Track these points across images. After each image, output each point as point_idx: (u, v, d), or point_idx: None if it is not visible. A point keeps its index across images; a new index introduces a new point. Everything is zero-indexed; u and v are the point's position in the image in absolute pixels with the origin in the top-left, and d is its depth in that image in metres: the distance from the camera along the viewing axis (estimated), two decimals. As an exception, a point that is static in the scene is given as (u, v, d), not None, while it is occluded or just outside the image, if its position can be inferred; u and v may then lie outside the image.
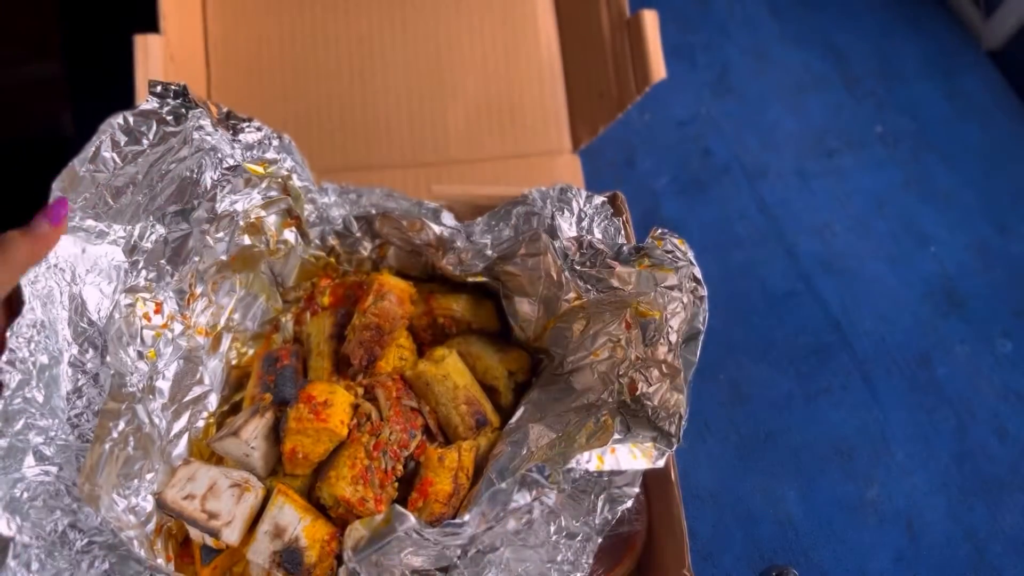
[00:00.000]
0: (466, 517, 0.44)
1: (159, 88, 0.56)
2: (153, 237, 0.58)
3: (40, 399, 0.52)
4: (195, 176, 0.58)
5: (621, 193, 0.63)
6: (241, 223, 0.61)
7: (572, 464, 0.46)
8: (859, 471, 0.83)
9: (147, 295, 0.57)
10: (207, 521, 0.54)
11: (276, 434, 0.58)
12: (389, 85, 0.82)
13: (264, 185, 0.61)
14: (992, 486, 0.83)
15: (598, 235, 0.60)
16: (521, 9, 0.86)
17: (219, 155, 0.58)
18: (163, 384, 0.58)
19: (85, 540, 0.51)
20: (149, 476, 0.55)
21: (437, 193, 0.64)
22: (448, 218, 0.62)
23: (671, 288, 0.52)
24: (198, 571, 0.56)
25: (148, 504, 0.55)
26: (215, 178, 0.58)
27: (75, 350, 0.54)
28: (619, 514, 0.50)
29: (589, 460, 0.47)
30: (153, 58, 0.68)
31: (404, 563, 0.48)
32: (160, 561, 0.54)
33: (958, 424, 0.86)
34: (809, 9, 1.09)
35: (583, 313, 0.60)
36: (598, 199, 0.61)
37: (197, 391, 0.61)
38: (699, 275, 0.51)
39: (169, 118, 0.56)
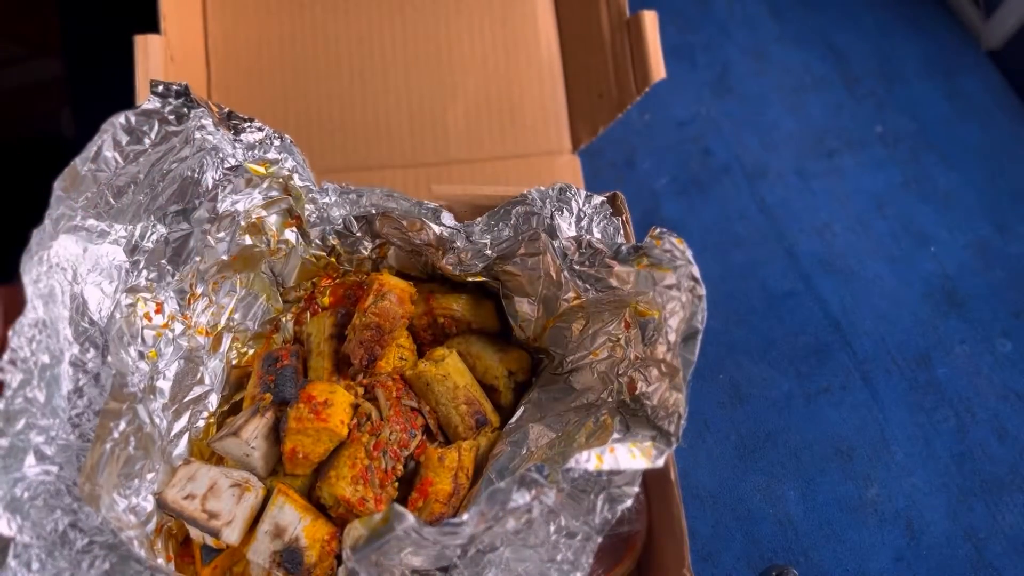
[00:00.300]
0: (464, 517, 0.44)
1: (160, 88, 0.56)
2: (154, 237, 0.58)
3: (41, 399, 0.52)
4: (196, 176, 0.58)
5: (621, 193, 0.63)
6: (242, 223, 0.61)
7: (571, 464, 0.46)
8: (859, 471, 0.83)
9: (148, 295, 0.57)
10: (207, 521, 0.54)
11: (276, 434, 0.58)
12: (389, 85, 0.82)
13: (265, 185, 0.61)
14: (992, 486, 0.83)
15: (597, 235, 0.60)
16: (521, 9, 0.86)
17: (220, 155, 0.58)
18: (164, 384, 0.58)
19: (86, 540, 0.51)
20: (150, 476, 0.55)
21: (437, 193, 0.64)
22: (448, 218, 0.62)
23: (670, 287, 0.52)
24: (198, 571, 0.56)
25: (148, 504, 0.55)
26: (216, 178, 0.58)
27: (76, 349, 0.54)
28: (619, 513, 0.50)
29: (588, 460, 0.46)
30: (153, 58, 0.68)
31: (404, 563, 0.48)
32: (160, 561, 0.54)
33: (958, 424, 0.86)
34: (809, 9, 1.09)
35: (582, 313, 0.60)
36: (597, 199, 0.61)
37: (198, 391, 0.61)
38: (697, 274, 0.51)
39: (171, 117, 0.56)
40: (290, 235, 0.64)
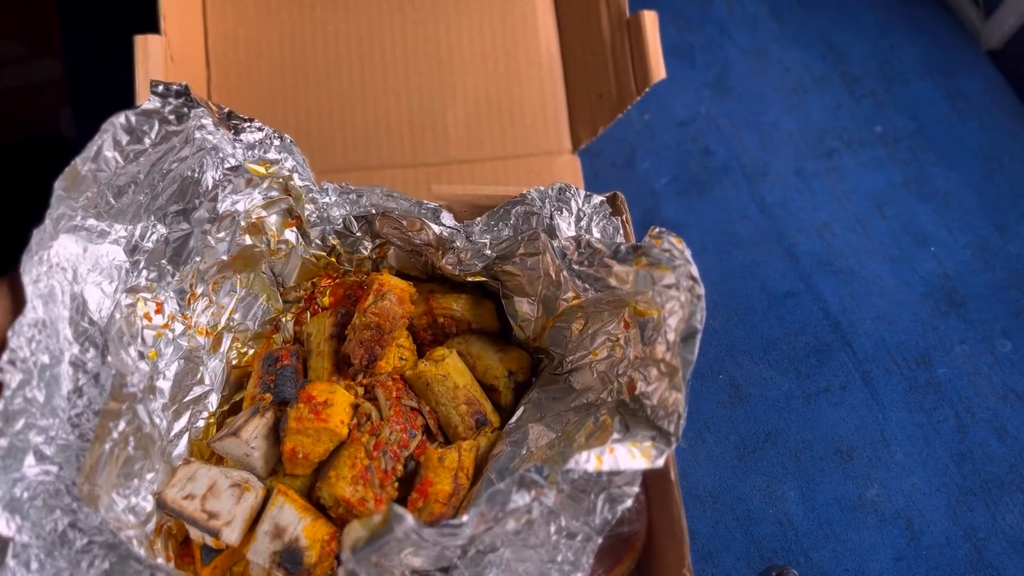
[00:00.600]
0: (464, 518, 0.44)
1: (161, 88, 0.56)
2: (154, 237, 0.58)
3: (41, 399, 0.52)
4: (196, 176, 0.58)
5: (621, 193, 0.64)
6: (242, 223, 0.61)
7: (571, 464, 0.46)
8: (859, 471, 0.83)
9: (148, 295, 0.57)
10: (207, 521, 0.54)
11: (276, 434, 0.58)
12: (389, 85, 0.82)
13: (265, 185, 0.61)
14: (992, 486, 0.83)
15: (596, 234, 0.60)
16: (521, 9, 0.86)
17: (220, 155, 0.58)
18: (164, 384, 0.58)
19: (85, 540, 0.51)
20: (149, 476, 0.55)
21: (437, 193, 0.64)
22: (447, 218, 0.62)
23: (669, 287, 0.52)
24: (198, 571, 0.56)
25: (148, 504, 0.55)
26: (217, 178, 0.58)
27: (76, 349, 0.54)
28: (619, 514, 0.50)
29: (588, 460, 0.46)
30: (153, 58, 0.69)
31: (404, 563, 0.48)
32: (160, 560, 0.54)
33: (958, 424, 0.86)
34: (809, 9, 1.09)
35: (581, 312, 0.60)
36: (596, 198, 0.61)
37: (197, 391, 0.61)
38: (696, 274, 0.51)
39: (171, 117, 0.56)
40: (290, 235, 0.64)
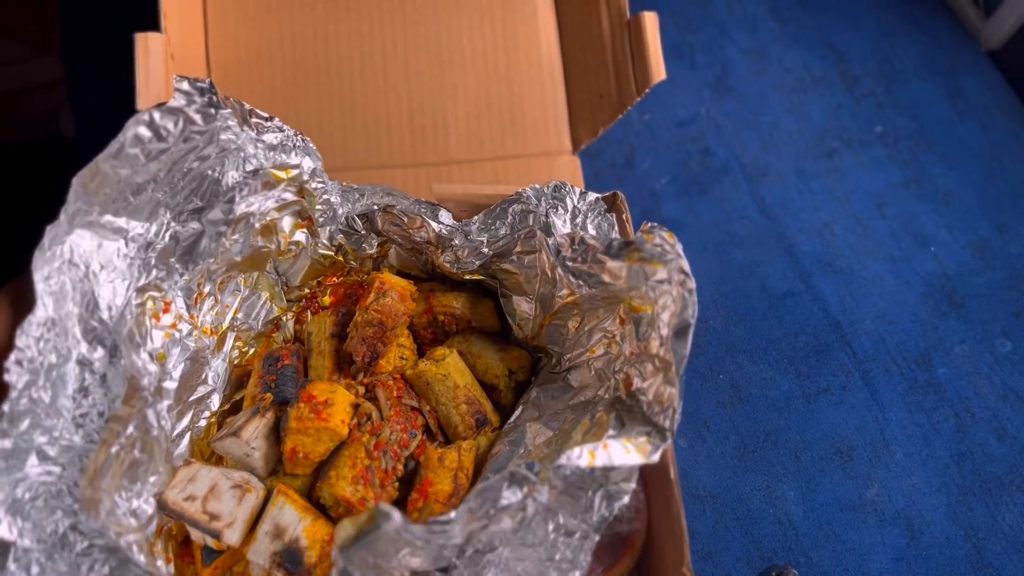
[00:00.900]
0: (452, 514, 0.44)
1: (185, 84, 0.55)
2: (167, 235, 0.57)
3: (47, 399, 0.51)
4: (217, 175, 0.57)
5: (620, 193, 0.64)
6: (256, 225, 0.61)
7: (562, 460, 0.46)
8: (859, 471, 0.83)
9: (157, 294, 0.57)
10: (208, 523, 0.54)
11: (277, 434, 0.58)
12: (389, 85, 0.82)
13: (281, 187, 0.61)
14: (992, 486, 0.83)
15: (592, 231, 0.59)
16: (522, 10, 0.86)
17: (243, 155, 0.58)
18: (170, 385, 0.58)
19: (86, 543, 0.51)
20: (152, 479, 0.55)
21: (437, 192, 0.64)
22: (446, 216, 0.62)
23: (661, 282, 0.52)
24: (199, 572, 0.56)
25: (149, 507, 0.55)
26: (236, 180, 0.58)
27: (84, 348, 0.54)
28: (616, 511, 0.50)
29: (580, 456, 0.46)
30: (154, 56, 0.68)
31: (403, 564, 0.48)
32: (160, 563, 0.54)
33: (958, 424, 0.86)
34: (809, 9, 1.09)
35: (577, 310, 0.60)
36: (592, 196, 0.61)
37: (201, 391, 0.61)
38: (687, 268, 0.51)
39: (196, 117, 0.56)
40: (301, 236, 0.64)
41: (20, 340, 0.50)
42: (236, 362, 0.64)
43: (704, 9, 1.09)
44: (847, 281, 0.93)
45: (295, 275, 0.66)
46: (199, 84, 0.56)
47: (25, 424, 0.50)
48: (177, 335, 0.58)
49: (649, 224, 0.54)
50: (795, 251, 0.95)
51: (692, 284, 0.50)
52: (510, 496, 0.45)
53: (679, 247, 0.52)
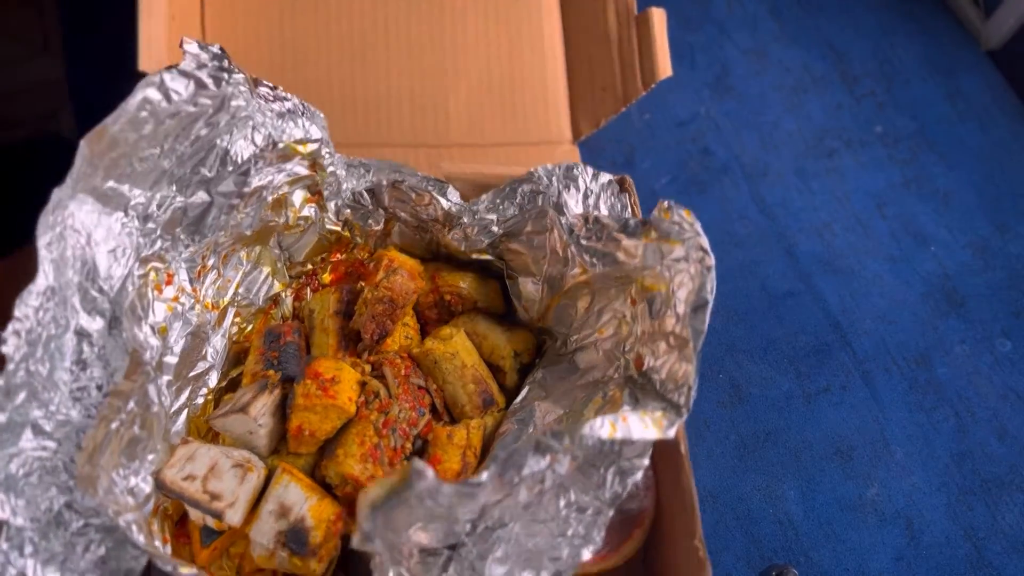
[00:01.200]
0: (483, 476, 0.43)
1: (195, 46, 0.54)
2: (173, 205, 0.56)
3: (44, 372, 0.50)
4: (226, 146, 0.56)
5: (629, 177, 0.63)
6: (268, 199, 0.59)
7: (585, 430, 0.45)
8: (859, 471, 0.83)
9: (160, 265, 0.55)
10: (210, 503, 0.52)
11: (283, 411, 0.56)
12: (391, 64, 0.81)
13: (295, 161, 0.59)
14: (992, 486, 0.83)
15: (604, 211, 0.59)
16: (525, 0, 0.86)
17: (252, 123, 0.56)
18: (171, 360, 0.57)
19: (81, 522, 0.49)
20: (150, 457, 0.53)
21: (446, 170, 0.64)
22: (454, 194, 0.61)
23: (678, 260, 0.51)
24: (195, 553, 0.54)
25: (147, 485, 0.53)
26: (249, 152, 0.56)
27: (83, 319, 0.52)
28: (629, 487, 0.50)
29: (602, 426, 0.46)
30: (156, 17, 0.67)
31: (412, 541, 0.47)
32: (157, 543, 0.52)
33: (958, 424, 0.86)
34: (808, 9, 1.09)
35: (588, 289, 0.59)
36: (604, 176, 0.61)
37: (201, 367, 0.59)
38: (706, 245, 0.51)
39: (208, 81, 0.54)
40: (309, 211, 0.62)
41: (19, 310, 0.48)
42: (234, 339, 0.62)
43: (704, 9, 1.09)
44: (847, 281, 0.93)
45: (300, 251, 0.64)
46: (211, 48, 0.54)
47: (21, 397, 0.48)
48: (179, 308, 0.57)
49: (667, 202, 0.53)
50: (795, 251, 0.95)
51: (711, 261, 0.50)
52: (534, 464, 0.44)
53: (698, 225, 0.51)
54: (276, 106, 0.58)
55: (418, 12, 0.83)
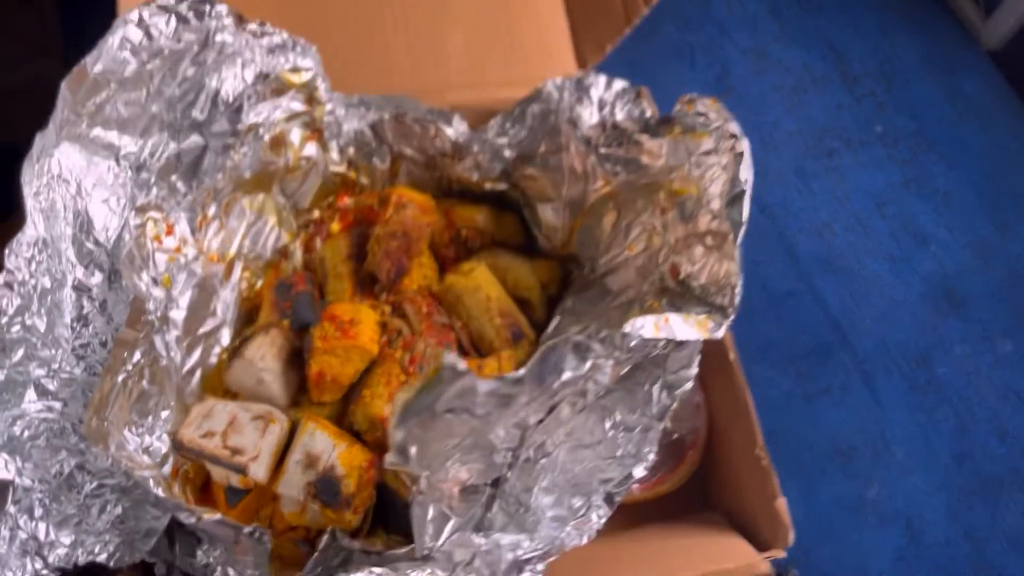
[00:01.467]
0: (520, 371, 0.39)
1: None
2: (166, 151, 0.52)
3: (42, 327, 0.47)
4: (215, 85, 0.53)
5: (645, 88, 0.59)
6: (265, 137, 0.55)
7: (627, 328, 0.42)
8: (859, 471, 0.83)
9: (158, 214, 0.51)
10: (231, 458, 0.48)
11: (291, 357, 0.53)
12: (385, 8, 0.78)
13: (290, 95, 0.56)
14: (992, 486, 0.83)
15: (622, 118, 0.55)
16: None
17: (241, 60, 0.53)
18: (177, 315, 0.52)
19: (95, 483, 0.46)
20: (164, 414, 0.49)
21: (451, 100, 0.61)
22: (461, 123, 0.58)
23: (707, 153, 0.48)
24: (223, 515, 0.52)
25: (163, 445, 0.49)
26: (240, 87, 0.54)
27: (80, 272, 0.49)
28: (678, 399, 0.46)
29: (643, 326, 0.42)
30: None
31: (452, 477, 0.44)
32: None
33: (958, 424, 0.86)
34: (808, 9, 1.09)
35: (612, 203, 0.55)
36: (619, 83, 0.57)
37: (210, 324, 0.55)
38: (737, 130, 0.47)
39: (188, 14, 0.51)
40: (311, 151, 0.58)
41: (10, 261, 0.45)
42: (244, 295, 0.58)
43: (704, 9, 1.09)
44: (847, 281, 0.93)
45: (304, 196, 0.60)
46: None
47: (19, 354, 0.46)
48: (182, 259, 0.52)
49: (688, 96, 0.50)
50: (795, 251, 0.94)
51: (743, 146, 0.47)
52: (572, 365, 0.41)
53: (726, 111, 0.48)
54: (265, 41, 0.54)
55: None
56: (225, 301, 0.56)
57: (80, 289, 0.49)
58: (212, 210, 0.54)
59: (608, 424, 0.47)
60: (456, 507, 0.45)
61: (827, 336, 0.90)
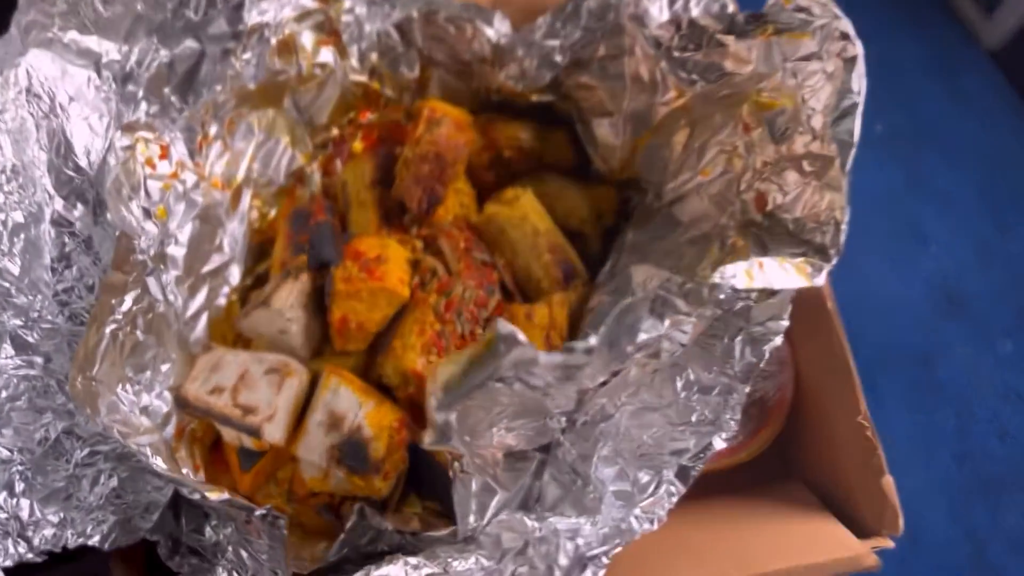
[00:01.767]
0: (591, 340, 0.33)
1: None
2: (156, 58, 0.46)
3: (15, 270, 0.41)
4: None
5: None
6: (272, 41, 0.49)
7: (716, 278, 0.36)
8: (859, 471, 0.83)
9: (149, 134, 0.45)
10: (243, 418, 0.43)
11: (317, 303, 0.47)
12: None
13: None
14: (992, 486, 0.82)
15: (699, 14, 0.48)
16: None
17: None
18: (176, 251, 0.46)
19: (86, 450, 0.41)
20: (164, 367, 0.44)
21: None
22: (503, 23, 0.50)
23: (807, 59, 0.42)
24: (236, 480, 0.45)
25: (165, 403, 0.44)
26: None
27: (59, 205, 0.43)
28: (766, 355, 0.40)
29: (734, 275, 0.37)
30: None
31: (497, 443, 0.38)
32: (186, 471, 0.43)
33: (958, 424, 0.85)
34: (809, 9, 1.09)
35: (686, 119, 0.48)
36: None
37: (217, 261, 0.49)
38: (849, 29, 0.41)
39: None
40: (327, 56, 0.51)
41: None
42: (255, 226, 0.52)
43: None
44: (847, 281, 0.93)
45: (320, 111, 0.53)
46: None
47: None
48: (180, 187, 0.46)
49: None
50: (795, 251, 0.94)
51: (856, 50, 0.41)
52: (650, 328, 0.35)
53: (833, 5, 0.42)
54: None
55: None
56: (233, 234, 0.49)
57: (60, 224, 0.43)
58: (213, 129, 0.48)
59: (680, 383, 0.40)
60: (501, 477, 0.39)
61: (827, 336, 0.90)
